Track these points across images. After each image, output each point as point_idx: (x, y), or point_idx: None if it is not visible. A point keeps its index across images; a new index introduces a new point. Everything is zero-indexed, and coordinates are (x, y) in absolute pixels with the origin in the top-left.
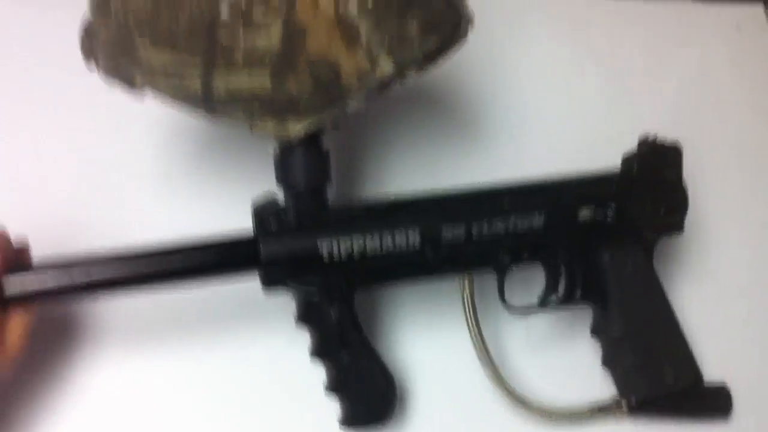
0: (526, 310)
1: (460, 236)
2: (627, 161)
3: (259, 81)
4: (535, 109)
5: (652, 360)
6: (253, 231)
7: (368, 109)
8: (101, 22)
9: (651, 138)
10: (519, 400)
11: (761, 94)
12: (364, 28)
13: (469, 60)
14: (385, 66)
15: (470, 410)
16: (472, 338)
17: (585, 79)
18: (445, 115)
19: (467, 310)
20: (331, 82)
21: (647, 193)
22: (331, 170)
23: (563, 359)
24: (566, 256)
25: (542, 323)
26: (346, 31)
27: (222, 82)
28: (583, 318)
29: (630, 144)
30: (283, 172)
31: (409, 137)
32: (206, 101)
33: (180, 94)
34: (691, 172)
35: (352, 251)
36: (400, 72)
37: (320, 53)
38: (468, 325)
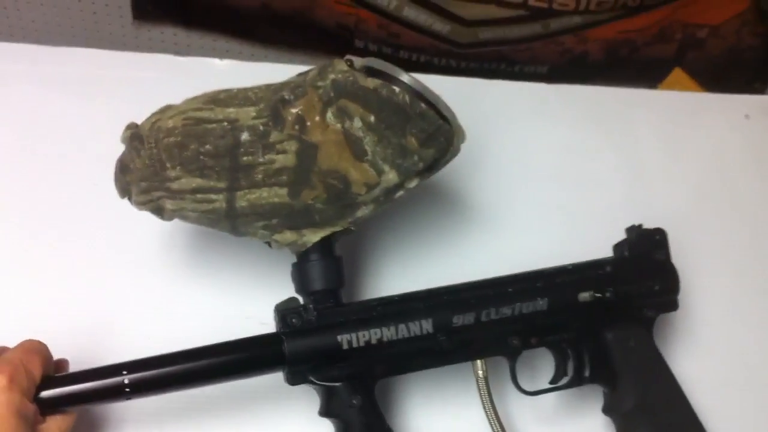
0: (538, 393)
1: (470, 322)
2: (618, 247)
3: (278, 194)
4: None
5: None
6: (277, 329)
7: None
8: (134, 153)
9: (637, 225)
10: None
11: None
12: (368, 143)
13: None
14: (390, 176)
15: None
16: (488, 420)
17: (600, 166)
18: (452, 213)
19: (482, 393)
20: (342, 192)
21: (640, 273)
22: (344, 274)
23: None
24: (572, 339)
25: (554, 401)
26: (353, 146)
27: (244, 200)
28: (594, 395)
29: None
30: (300, 279)
31: (412, 237)
32: (229, 218)
33: (206, 214)
34: (703, 253)
35: (370, 341)
36: (404, 181)
37: (331, 167)
38: (483, 407)
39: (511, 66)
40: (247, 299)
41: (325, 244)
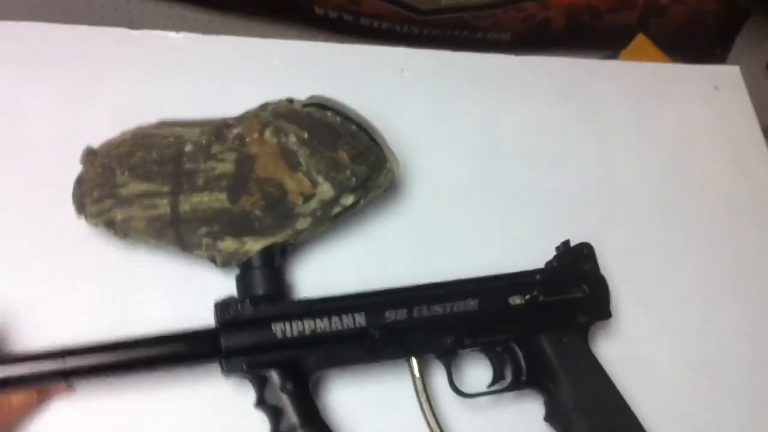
0: (475, 396)
1: (402, 318)
2: (549, 262)
3: (218, 198)
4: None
5: None
6: (215, 323)
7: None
8: (89, 164)
9: (565, 241)
10: None
11: (739, 148)
12: (302, 156)
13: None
14: (325, 187)
15: None
16: (426, 420)
17: (567, 142)
18: (416, 196)
19: (419, 392)
20: (279, 200)
21: (569, 281)
22: (285, 285)
23: None
24: (506, 342)
25: (494, 407)
26: (288, 158)
27: (187, 204)
28: (533, 401)
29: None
30: (243, 287)
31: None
32: (174, 224)
33: (152, 222)
34: (673, 227)
35: (304, 332)
36: (340, 195)
37: (268, 175)
38: (420, 407)
39: (473, 33)
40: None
41: (267, 254)
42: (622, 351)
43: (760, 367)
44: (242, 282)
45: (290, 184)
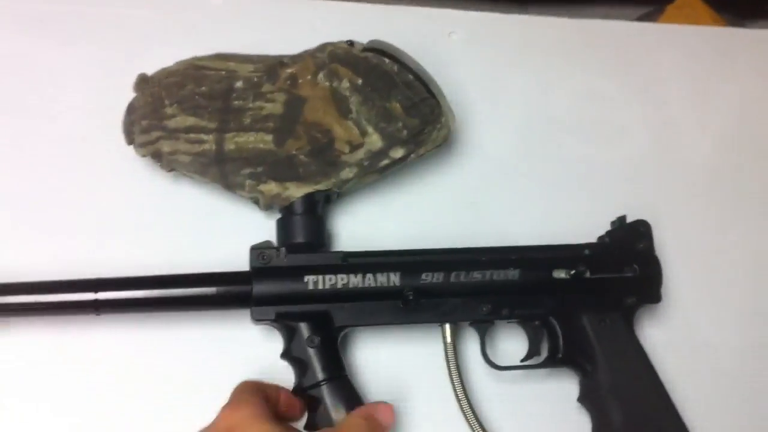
0: (507, 369)
1: (438, 281)
2: (601, 237)
3: (264, 140)
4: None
5: (642, 422)
6: (250, 266)
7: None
8: (140, 92)
9: (621, 217)
10: None
11: None
12: (354, 103)
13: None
14: (374, 138)
15: None
16: (453, 388)
17: (622, 114)
18: (466, 165)
19: (449, 359)
20: (325, 146)
21: (620, 260)
22: (324, 234)
23: (549, 424)
24: (545, 316)
25: (523, 382)
26: (339, 104)
27: (232, 143)
28: (567, 379)
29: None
30: (282, 232)
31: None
32: (218, 162)
33: (197, 157)
34: (734, 206)
35: (336, 285)
36: (389, 147)
37: (316, 119)
38: (449, 374)
39: None
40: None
41: (309, 201)
42: (671, 336)
43: None
44: (282, 227)
45: (338, 131)
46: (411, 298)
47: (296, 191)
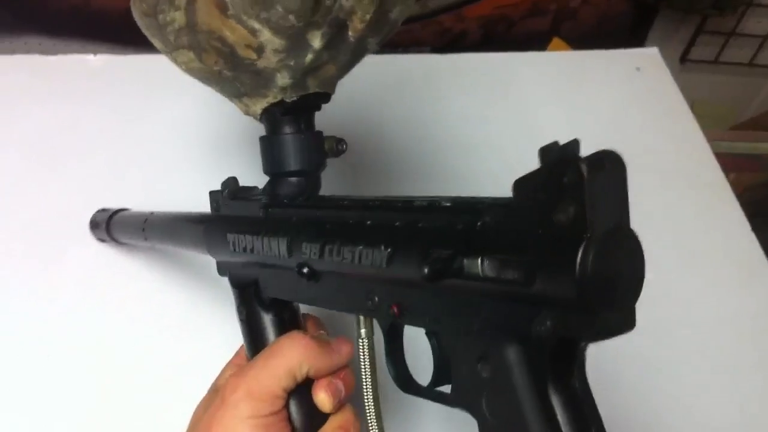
0: (410, 393)
1: (315, 256)
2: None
3: (191, 58)
4: None
5: None
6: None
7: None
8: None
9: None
10: None
11: (668, 123)
12: None
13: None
14: (267, 35)
15: None
16: (363, 391)
17: (494, 130)
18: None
19: (362, 356)
20: (231, 55)
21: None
22: (310, 164)
23: None
24: (430, 328)
25: None
26: (217, 3)
27: (180, 64)
28: None
29: None
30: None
31: None
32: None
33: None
34: None
35: (246, 248)
36: (289, 40)
37: (209, 27)
38: (362, 375)
39: (393, 50)
40: None
41: (271, 118)
42: None
43: None
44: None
45: (229, 35)
46: (305, 272)
47: (255, 106)
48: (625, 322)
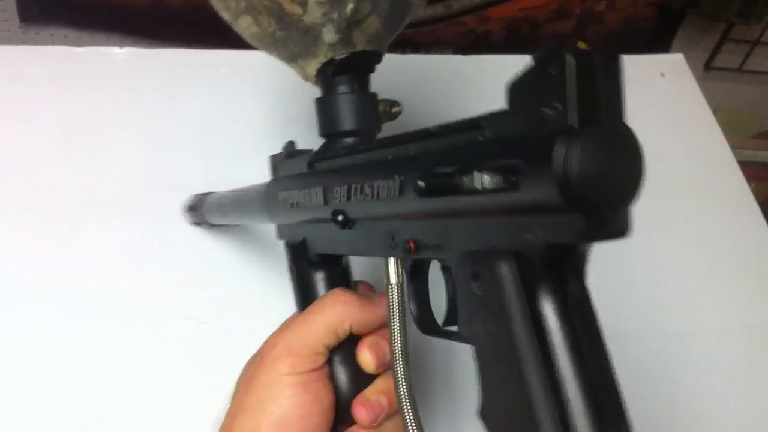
0: (429, 333)
1: (344, 200)
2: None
3: (249, 22)
4: None
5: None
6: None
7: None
8: None
9: None
10: None
11: (691, 129)
12: None
13: None
14: None
15: None
16: (392, 350)
17: None
18: None
19: (392, 307)
20: (280, 12)
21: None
22: (364, 122)
23: None
24: (445, 261)
25: None
26: None
27: (241, 29)
28: None
29: None
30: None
31: None
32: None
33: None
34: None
35: (292, 204)
36: None
37: None
38: (391, 328)
39: (416, 50)
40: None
41: (324, 78)
42: None
43: None
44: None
45: None
46: (340, 220)
47: (309, 67)
48: (624, 224)
